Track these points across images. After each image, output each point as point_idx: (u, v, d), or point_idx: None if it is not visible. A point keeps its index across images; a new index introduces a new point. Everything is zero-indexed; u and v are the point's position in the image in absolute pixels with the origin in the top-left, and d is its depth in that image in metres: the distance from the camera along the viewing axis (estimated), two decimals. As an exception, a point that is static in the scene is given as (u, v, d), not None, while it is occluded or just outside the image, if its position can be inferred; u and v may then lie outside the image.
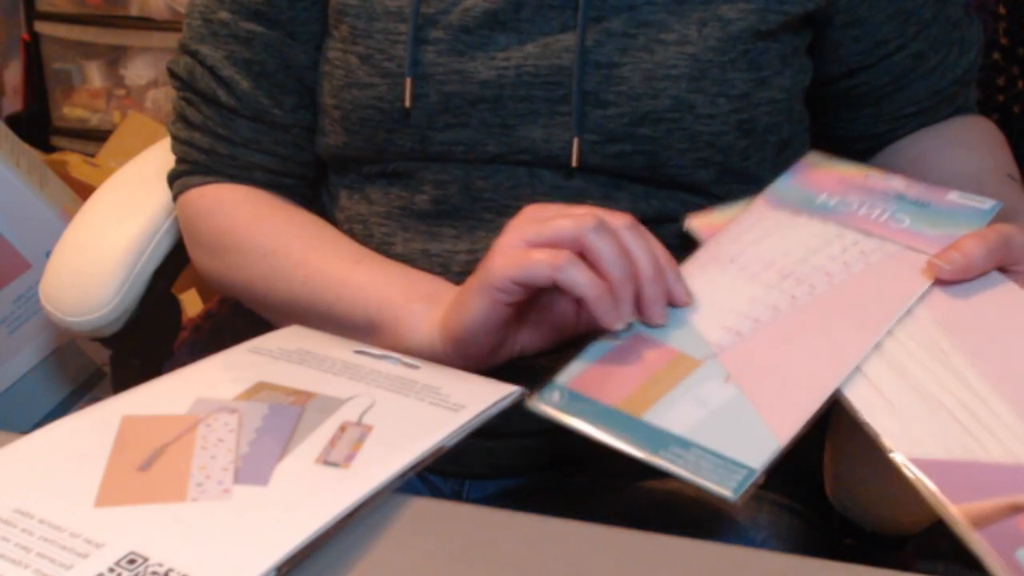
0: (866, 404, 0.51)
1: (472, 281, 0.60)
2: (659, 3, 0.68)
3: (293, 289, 0.71)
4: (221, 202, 0.77)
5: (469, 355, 0.61)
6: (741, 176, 0.71)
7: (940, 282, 0.58)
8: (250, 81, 0.75)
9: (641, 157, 0.69)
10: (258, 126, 0.76)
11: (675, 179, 0.70)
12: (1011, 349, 0.55)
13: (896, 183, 0.67)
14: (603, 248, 0.55)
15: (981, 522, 0.45)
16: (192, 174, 0.79)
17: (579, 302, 0.58)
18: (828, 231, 0.63)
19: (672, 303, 0.58)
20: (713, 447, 0.49)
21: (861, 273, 0.59)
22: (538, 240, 0.57)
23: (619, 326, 0.56)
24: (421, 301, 0.66)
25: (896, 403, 0.51)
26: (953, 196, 0.66)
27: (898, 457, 0.48)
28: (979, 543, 0.44)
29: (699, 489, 0.48)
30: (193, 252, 0.80)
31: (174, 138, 0.79)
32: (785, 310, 0.57)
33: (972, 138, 0.79)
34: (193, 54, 0.77)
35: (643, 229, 0.58)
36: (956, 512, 0.45)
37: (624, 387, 0.53)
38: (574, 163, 0.69)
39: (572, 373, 0.54)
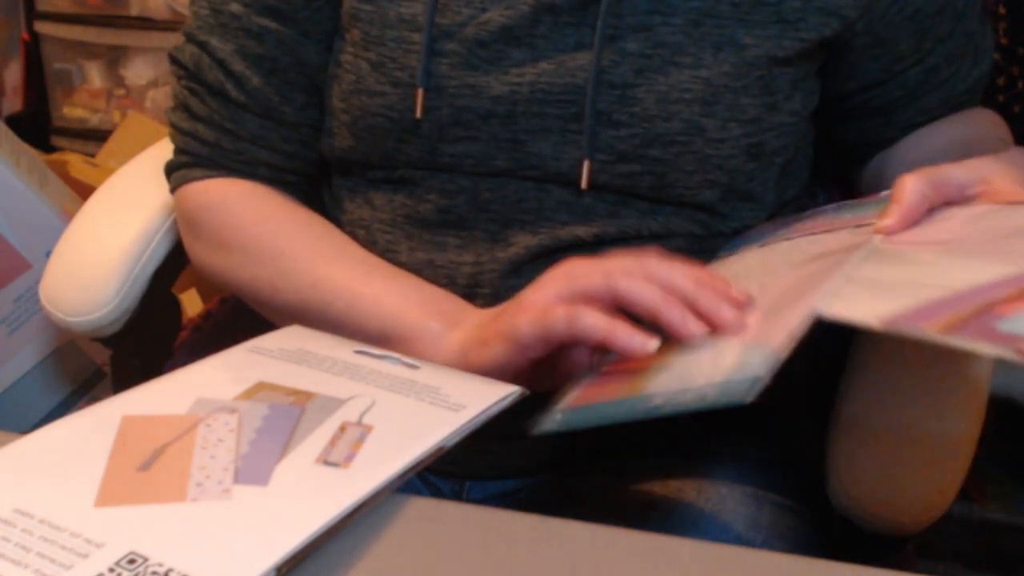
0: (839, 310, 0.52)
1: (498, 326, 0.60)
2: (675, 25, 0.67)
3: (301, 294, 0.71)
4: (225, 197, 0.76)
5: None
6: (744, 195, 0.71)
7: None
8: (261, 77, 0.74)
9: (649, 177, 0.69)
10: (266, 122, 0.76)
11: (681, 198, 0.70)
12: (957, 227, 0.57)
13: (830, 204, 0.70)
14: (637, 289, 0.56)
15: (957, 327, 0.45)
16: (193, 167, 0.77)
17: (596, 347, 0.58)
18: (780, 246, 0.66)
19: (721, 328, 0.56)
20: (715, 380, 0.50)
21: (819, 251, 0.61)
22: (568, 294, 0.58)
23: (651, 347, 0.55)
24: (437, 319, 0.66)
25: (862, 297, 0.52)
26: (885, 193, 0.68)
27: (874, 323, 0.49)
28: (961, 340, 0.45)
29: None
30: (193, 246, 0.79)
31: (174, 127, 0.78)
32: (757, 294, 0.58)
33: (965, 117, 0.80)
34: (201, 45, 0.75)
35: (664, 258, 0.58)
36: (931, 328, 0.46)
37: (620, 385, 0.54)
38: (584, 183, 0.68)
39: (570, 397, 0.56)
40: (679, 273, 0.57)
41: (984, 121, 0.80)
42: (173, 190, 0.79)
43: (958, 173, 0.59)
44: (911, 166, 0.77)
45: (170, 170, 0.79)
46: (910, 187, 0.58)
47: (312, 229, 0.74)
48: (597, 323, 0.56)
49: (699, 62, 0.67)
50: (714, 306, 0.55)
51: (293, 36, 0.74)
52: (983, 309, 0.46)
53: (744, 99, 0.68)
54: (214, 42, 0.75)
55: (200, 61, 0.75)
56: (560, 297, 0.58)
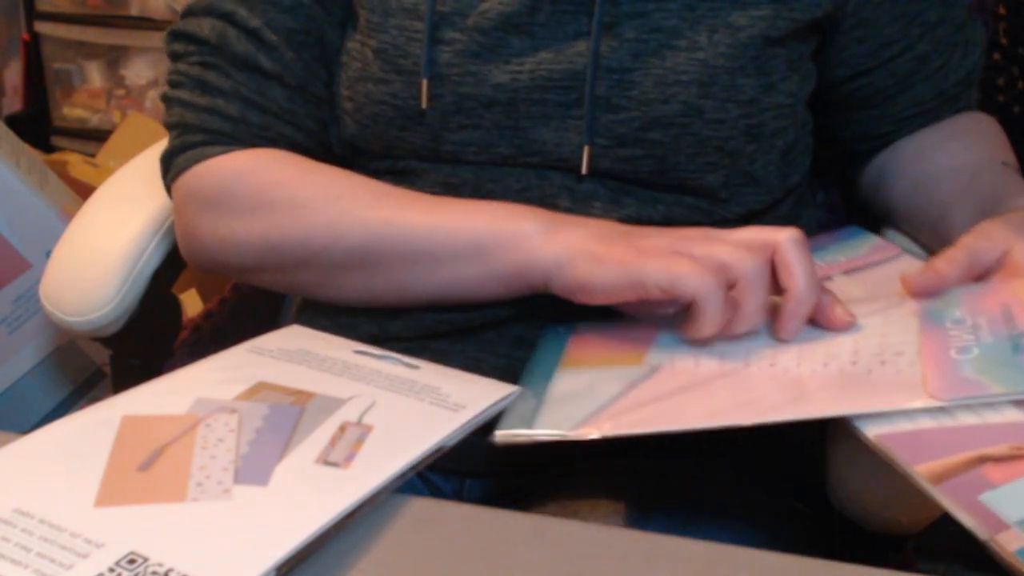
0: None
1: (620, 255, 0.59)
2: (671, 10, 0.68)
3: (369, 231, 0.68)
4: (259, 160, 0.73)
5: (576, 297, 0.62)
6: (747, 179, 0.72)
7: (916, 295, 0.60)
8: (293, 51, 0.73)
9: (650, 161, 0.69)
10: (295, 96, 0.74)
11: (684, 183, 0.70)
12: None
13: None
14: (753, 292, 0.57)
15: (945, 476, 0.45)
16: (211, 144, 0.74)
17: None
18: None
19: (832, 326, 0.58)
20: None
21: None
22: (700, 256, 0.57)
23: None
24: (532, 221, 0.65)
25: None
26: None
27: (867, 433, 0.49)
28: (941, 495, 0.44)
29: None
30: (220, 220, 0.72)
31: (187, 105, 0.74)
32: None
33: (966, 130, 0.80)
34: (226, 16, 0.73)
35: (806, 247, 0.58)
36: (920, 471, 0.45)
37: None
38: (584, 168, 0.69)
39: None
40: (806, 267, 0.57)
41: (989, 138, 0.80)
42: (182, 171, 0.74)
43: (986, 248, 0.59)
44: (912, 180, 0.78)
45: (176, 152, 0.74)
46: (946, 270, 0.59)
47: (360, 177, 0.72)
48: (713, 314, 0.56)
49: (695, 44, 0.68)
50: (793, 321, 0.57)
51: (321, 14, 0.74)
52: (975, 461, 0.45)
53: (741, 80, 0.68)
54: (242, 12, 0.73)
55: (225, 33, 0.73)
56: (690, 253, 0.57)
